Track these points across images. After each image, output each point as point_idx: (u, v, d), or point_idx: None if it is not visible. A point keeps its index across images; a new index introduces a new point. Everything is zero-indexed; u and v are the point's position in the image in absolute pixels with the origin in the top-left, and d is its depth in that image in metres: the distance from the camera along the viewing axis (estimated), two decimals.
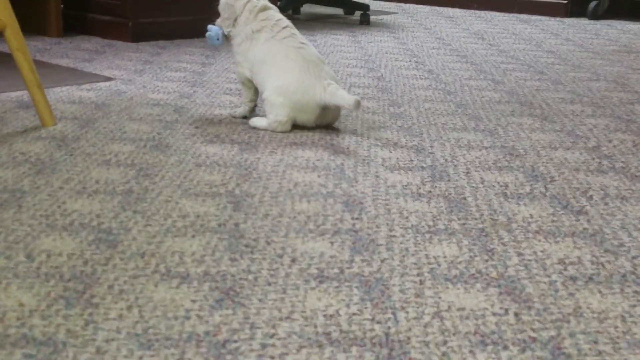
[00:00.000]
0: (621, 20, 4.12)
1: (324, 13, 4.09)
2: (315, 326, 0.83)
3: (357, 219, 1.15)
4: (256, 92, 1.71)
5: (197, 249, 1.02)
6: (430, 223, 1.14)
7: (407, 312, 0.86)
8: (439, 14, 4.24)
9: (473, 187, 1.31)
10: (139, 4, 2.77)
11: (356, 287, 0.92)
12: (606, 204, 1.24)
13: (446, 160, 1.46)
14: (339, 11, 4.12)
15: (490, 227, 1.13)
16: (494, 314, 0.86)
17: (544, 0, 4.28)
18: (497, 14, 4.32)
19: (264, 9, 1.67)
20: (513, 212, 1.19)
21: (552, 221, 1.16)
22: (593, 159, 1.50)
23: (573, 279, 0.96)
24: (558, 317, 0.86)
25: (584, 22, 3.99)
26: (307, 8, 4.22)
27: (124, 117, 1.71)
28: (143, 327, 0.81)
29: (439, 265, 0.99)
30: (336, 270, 0.97)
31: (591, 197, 1.28)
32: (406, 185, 1.31)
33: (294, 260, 0.99)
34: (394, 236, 1.08)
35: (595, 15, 4.09)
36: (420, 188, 1.29)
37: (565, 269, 0.99)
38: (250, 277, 0.94)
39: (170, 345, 0.78)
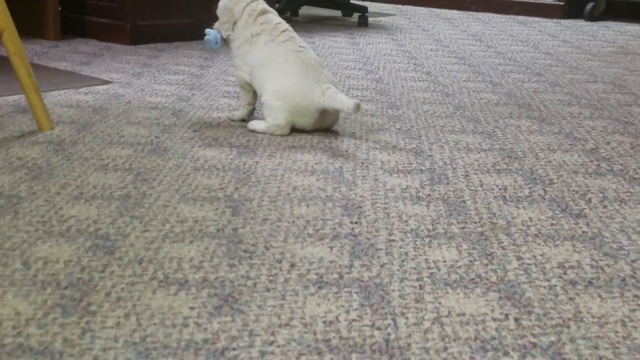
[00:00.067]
0: (618, 21, 4.12)
1: (322, 15, 4.08)
2: (315, 333, 0.82)
3: (356, 223, 1.14)
4: (255, 95, 1.71)
5: (195, 254, 1.01)
6: (430, 227, 1.13)
7: (407, 318, 0.86)
8: (437, 15, 4.24)
9: (472, 190, 1.30)
10: (137, 7, 2.77)
11: (356, 292, 0.92)
12: (605, 206, 1.24)
13: (445, 163, 1.46)
14: (337, 13, 4.12)
15: (490, 231, 1.12)
16: (494, 320, 0.86)
17: (541, 1, 4.28)
18: (495, 15, 4.32)
19: (263, 12, 1.67)
20: (512, 215, 1.19)
21: (552, 224, 1.15)
22: (591, 161, 1.50)
23: (573, 283, 0.96)
24: (558, 322, 0.86)
25: (581, 23, 4.00)
26: (305, 10, 4.22)
27: (121, 120, 1.71)
28: (141, 335, 0.81)
29: (439, 269, 0.99)
30: (335, 276, 0.96)
31: (590, 199, 1.27)
32: (405, 189, 1.30)
33: (293, 265, 0.99)
34: (394, 240, 1.08)
35: (592, 17, 4.09)
36: (419, 191, 1.29)
37: (564, 273, 0.98)
38: (249, 283, 0.93)
39: (168, 354, 0.77)
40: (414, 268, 0.99)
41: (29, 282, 0.92)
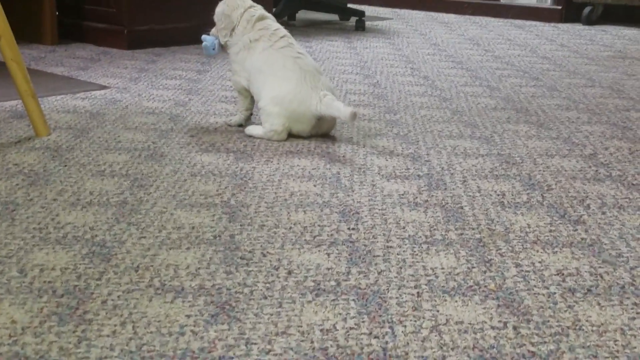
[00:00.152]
0: (615, 25, 4.13)
1: (319, 19, 4.08)
2: (312, 341, 0.82)
3: (353, 229, 1.14)
4: (252, 100, 1.71)
5: (192, 261, 1.01)
6: (427, 233, 1.13)
7: (405, 326, 0.85)
8: (434, 19, 4.24)
9: (470, 196, 1.30)
10: (134, 12, 2.76)
11: (353, 300, 0.91)
12: (603, 213, 1.24)
13: (442, 168, 1.46)
14: (334, 17, 4.12)
15: (488, 237, 1.12)
16: (492, 328, 0.85)
17: (539, 5, 4.29)
18: (492, 19, 4.32)
19: (262, 18, 1.67)
20: (510, 221, 1.18)
21: (550, 231, 1.15)
22: (590, 166, 1.50)
23: (572, 290, 0.95)
24: (557, 330, 0.85)
25: (578, 27, 4.00)
26: (302, 14, 4.22)
27: (118, 126, 1.70)
28: (137, 343, 0.80)
29: (437, 277, 0.98)
30: (333, 283, 0.96)
31: (588, 206, 1.27)
32: (403, 195, 1.30)
33: (290, 272, 0.98)
34: (391, 247, 1.07)
35: (589, 21, 4.10)
36: (416, 197, 1.29)
37: (563, 281, 0.98)
38: (246, 290, 0.93)
39: None
40: (412, 275, 0.99)
41: (25, 289, 0.91)
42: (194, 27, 2.83)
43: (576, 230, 1.16)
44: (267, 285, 0.95)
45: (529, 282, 0.97)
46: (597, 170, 1.47)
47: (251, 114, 1.73)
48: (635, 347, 0.82)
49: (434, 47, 3.10)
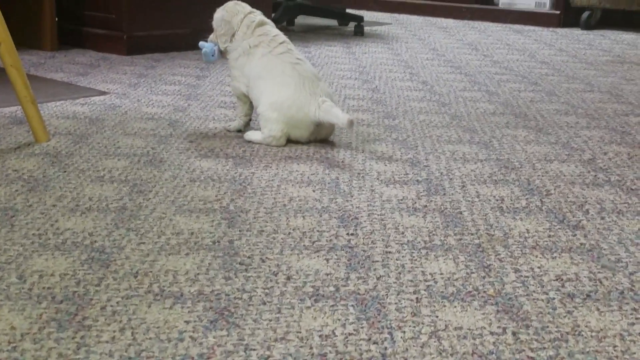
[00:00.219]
0: (614, 30, 4.14)
1: (318, 24, 4.09)
2: (311, 347, 0.82)
3: (352, 234, 1.14)
4: (251, 106, 1.71)
5: (191, 267, 1.01)
6: (426, 238, 1.13)
7: (404, 332, 0.85)
8: (433, 24, 4.25)
9: (469, 201, 1.30)
10: (133, 17, 2.77)
11: (352, 305, 0.91)
12: (602, 218, 1.24)
13: (441, 173, 1.46)
14: (333, 22, 4.13)
15: (487, 243, 1.12)
16: (491, 333, 0.85)
17: (537, 10, 4.30)
18: (491, 24, 4.33)
19: (261, 24, 1.67)
20: (509, 227, 1.19)
21: (549, 236, 1.15)
22: (588, 171, 1.50)
23: (571, 296, 0.95)
24: (556, 336, 0.85)
25: (577, 32, 4.01)
26: (301, 19, 4.23)
27: (118, 131, 1.71)
28: (136, 350, 0.80)
29: (436, 282, 0.98)
30: (332, 288, 0.96)
31: (587, 211, 1.27)
32: (402, 200, 1.30)
33: (289, 278, 0.98)
34: (390, 252, 1.07)
35: (588, 26, 4.11)
36: (415, 202, 1.29)
37: (562, 286, 0.98)
38: (245, 296, 0.93)
39: None
40: (411, 280, 0.99)
41: (25, 296, 0.91)
42: (193, 33, 2.83)
43: (575, 235, 1.16)
44: (266, 290, 0.95)
45: (528, 288, 0.97)
46: (596, 175, 1.47)
47: (250, 120, 1.74)
48: (634, 353, 0.82)
49: (432, 52, 3.10)
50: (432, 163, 1.53)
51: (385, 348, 0.82)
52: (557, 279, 1.00)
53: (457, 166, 1.51)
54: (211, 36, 1.72)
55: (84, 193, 1.29)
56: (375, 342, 0.83)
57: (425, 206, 1.27)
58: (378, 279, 0.99)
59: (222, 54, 1.72)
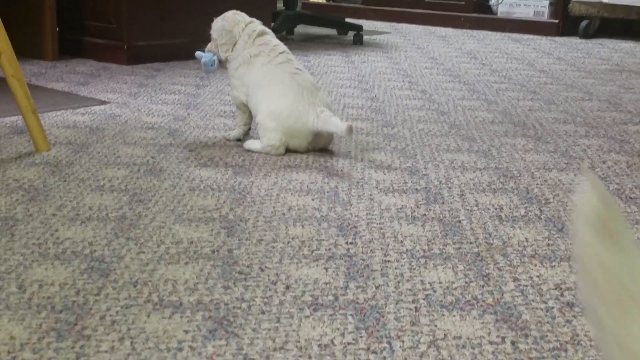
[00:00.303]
0: (612, 39, 4.16)
1: (317, 33, 4.11)
2: (310, 357, 0.82)
3: (351, 243, 1.14)
4: (251, 115, 1.72)
5: (190, 276, 1.01)
6: (425, 247, 1.13)
7: (403, 341, 0.85)
8: (432, 33, 4.26)
9: (468, 209, 1.30)
10: (134, 27, 2.78)
11: (351, 315, 0.91)
12: None
13: (440, 182, 1.46)
14: (332, 32, 4.14)
15: (486, 252, 1.12)
16: (490, 343, 0.86)
17: (536, 19, 4.31)
18: (489, 33, 4.35)
19: (262, 33, 1.68)
20: (508, 235, 1.19)
21: (548, 245, 1.15)
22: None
23: (570, 305, 0.96)
24: (555, 345, 0.85)
25: (575, 41, 4.02)
26: (300, 29, 4.25)
27: (118, 141, 1.71)
28: (135, 359, 0.80)
29: (435, 291, 0.98)
30: (331, 298, 0.96)
31: None
32: (400, 208, 1.30)
33: (288, 287, 0.99)
34: (389, 261, 1.08)
35: (586, 34, 4.12)
36: (414, 211, 1.29)
37: (561, 295, 0.98)
38: (244, 305, 0.93)
39: None
40: (410, 290, 0.99)
41: (24, 305, 0.92)
42: (192, 43, 2.84)
43: (574, 244, 1.16)
44: (265, 300, 0.95)
45: (527, 297, 0.97)
46: None
47: (249, 129, 1.74)
48: None
49: (431, 61, 3.11)
50: (431, 172, 1.53)
51: (384, 357, 0.82)
52: (556, 288, 1.00)
53: (456, 175, 1.51)
54: (209, 46, 1.73)
55: (84, 202, 1.30)
56: (374, 352, 0.83)
57: (424, 215, 1.27)
58: (377, 288, 0.99)
59: (222, 63, 1.73)
